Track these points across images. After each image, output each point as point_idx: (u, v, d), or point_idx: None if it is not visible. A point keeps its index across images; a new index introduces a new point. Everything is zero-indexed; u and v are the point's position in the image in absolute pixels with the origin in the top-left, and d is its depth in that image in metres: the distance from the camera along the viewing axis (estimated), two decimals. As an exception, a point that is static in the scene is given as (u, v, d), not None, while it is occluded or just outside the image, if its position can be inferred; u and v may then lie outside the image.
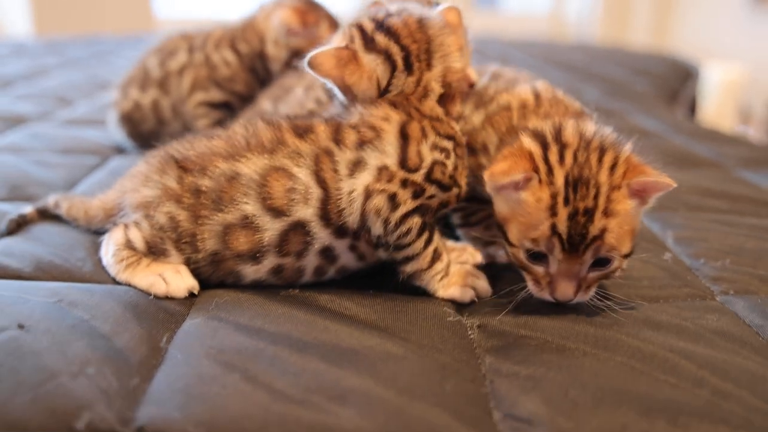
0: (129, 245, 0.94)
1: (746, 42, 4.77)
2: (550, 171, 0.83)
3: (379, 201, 0.88)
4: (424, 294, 0.94)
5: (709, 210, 1.27)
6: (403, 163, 0.89)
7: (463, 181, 0.94)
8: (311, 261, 0.92)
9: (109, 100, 1.65)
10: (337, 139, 0.91)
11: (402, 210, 0.88)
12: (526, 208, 0.84)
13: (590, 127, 0.88)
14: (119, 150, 1.62)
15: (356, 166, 0.89)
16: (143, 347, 0.77)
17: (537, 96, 1.00)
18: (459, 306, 0.92)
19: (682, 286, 0.97)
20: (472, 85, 1.02)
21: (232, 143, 0.93)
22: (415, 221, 0.90)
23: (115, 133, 1.65)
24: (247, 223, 0.90)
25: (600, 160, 0.83)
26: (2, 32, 3.88)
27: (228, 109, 1.53)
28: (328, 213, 0.89)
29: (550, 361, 0.76)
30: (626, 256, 0.85)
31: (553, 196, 0.82)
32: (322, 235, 0.90)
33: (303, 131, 0.92)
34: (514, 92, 1.02)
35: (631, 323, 0.85)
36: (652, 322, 0.85)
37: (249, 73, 1.53)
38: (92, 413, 0.65)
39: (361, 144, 0.90)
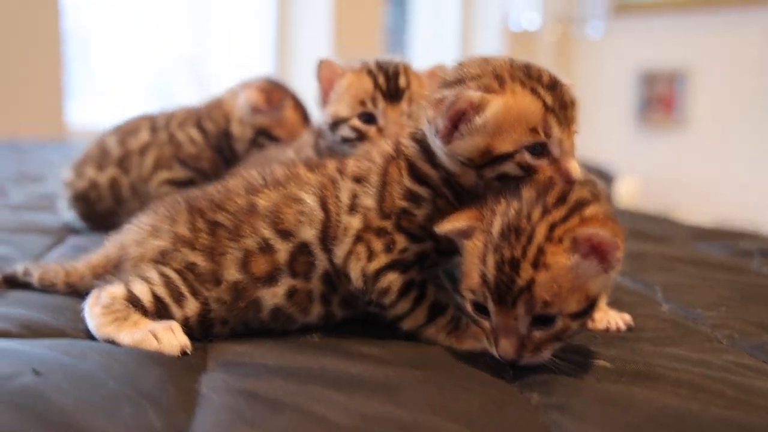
0: (130, 299, 0.88)
1: (636, 156, 5.17)
2: (491, 220, 0.81)
3: (360, 247, 0.90)
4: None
5: (683, 272, 1.31)
6: (380, 206, 0.91)
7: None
8: (317, 286, 0.93)
9: (61, 179, 1.57)
10: (341, 170, 0.97)
11: (376, 264, 0.89)
12: (466, 256, 0.83)
13: (563, 186, 0.83)
14: (73, 230, 1.54)
15: (354, 203, 0.92)
16: (172, 388, 0.71)
17: None
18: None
19: (687, 334, 0.98)
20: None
21: (248, 182, 0.98)
22: (394, 278, 0.90)
23: (65, 214, 1.57)
24: (264, 247, 0.91)
25: (546, 212, 0.79)
26: None
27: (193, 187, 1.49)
28: (326, 237, 0.92)
29: (598, 390, 0.75)
30: (575, 317, 0.79)
31: (486, 244, 0.80)
32: (321, 258, 0.92)
33: (315, 166, 0.99)
34: None
35: (659, 358, 0.85)
36: (677, 357, 0.86)
37: (214, 152, 1.51)
38: (142, 450, 0.59)
39: (358, 180, 0.94)
